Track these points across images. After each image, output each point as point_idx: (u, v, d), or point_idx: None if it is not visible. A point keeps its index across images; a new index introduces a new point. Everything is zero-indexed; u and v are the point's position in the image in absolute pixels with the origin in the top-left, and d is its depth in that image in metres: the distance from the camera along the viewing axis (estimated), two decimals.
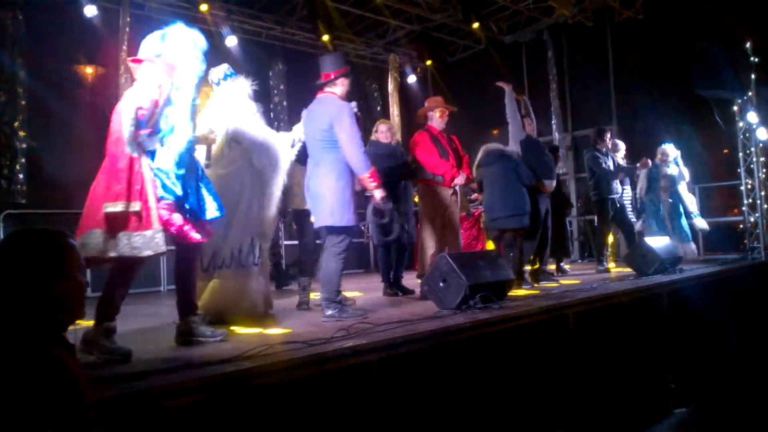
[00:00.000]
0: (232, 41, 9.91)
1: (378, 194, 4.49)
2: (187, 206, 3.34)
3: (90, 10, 8.39)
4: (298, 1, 10.54)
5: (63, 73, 8.37)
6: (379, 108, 13.24)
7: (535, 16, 11.58)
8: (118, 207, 3.08)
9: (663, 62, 9.89)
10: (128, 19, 8.43)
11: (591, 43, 11.23)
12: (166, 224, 3.23)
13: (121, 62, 8.31)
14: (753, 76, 8.80)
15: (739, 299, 7.15)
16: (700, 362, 6.24)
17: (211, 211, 3.47)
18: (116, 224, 3.10)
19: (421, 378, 3.51)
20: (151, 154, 3.27)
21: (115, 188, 3.12)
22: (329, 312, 4.37)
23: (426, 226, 5.85)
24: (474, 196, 8.17)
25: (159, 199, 3.21)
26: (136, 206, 3.11)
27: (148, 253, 3.13)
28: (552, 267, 7.57)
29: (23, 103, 7.81)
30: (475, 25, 10.75)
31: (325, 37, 10.58)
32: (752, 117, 8.73)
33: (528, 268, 6.85)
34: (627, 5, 10.16)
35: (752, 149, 8.91)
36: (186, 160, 3.35)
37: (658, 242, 6.80)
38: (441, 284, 4.59)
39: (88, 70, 8.89)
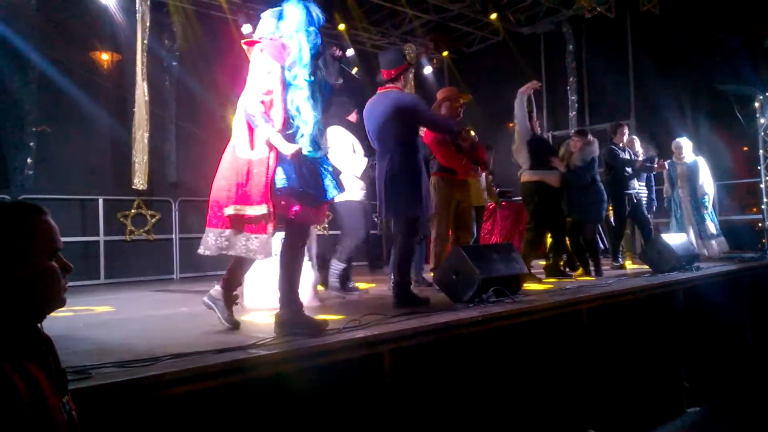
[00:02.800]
0: (247, 29, 9.88)
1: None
2: (311, 191, 3.27)
3: None
4: None
5: (78, 59, 8.37)
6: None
7: (555, 7, 11.42)
8: (242, 210, 3.19)
9: (683, 56, 9.73)
10: (148, 4, 8.40)
11: (611, 36, 11.07)
12: (285, 209, 3.21)
13: (139, 49, 8.31)
14: None
15: (757, 299, 7.05)
16: (715, 362, 6.16)
17: (331, 190, 3.39)
18: (236, 225, 3.22)
19: (432, 370, 3.48)
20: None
21: (237, 190, 3.21)
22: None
23: (439, 219, 5.80)
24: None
25: (281, 190, 3.19)
26: (256, 209, 3.17)
27: (260, 257, 3.24)
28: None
29: (33, 87, 7.79)
30: (493, 16, 10.66)
31: (342, 26, 10.52)
32: None
33: (542, 263, 6.81)
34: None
35: None
36: (318, 143, 3.33)
37: (674, 239, 6.72)
38: (454, 277, 4.55)
39: (104, 56, 8.90)
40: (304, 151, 3.23)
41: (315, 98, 3.37)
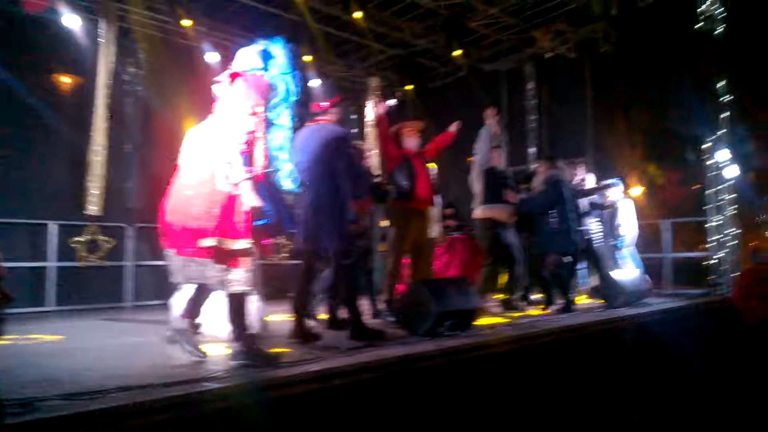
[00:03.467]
0: (213, 58, 9.91)
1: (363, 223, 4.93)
2: (283, 227, 3.36)
3: (70, 20, 8.33)
4: (282, 21, 10.55)
5: (37, 82, 8.26)
6: (356, 130, 13.28)
7: (517, 46, 11.75)
8: (223, 243, 3.18)
9: (640, 97, 10.09)
10: (112, 30, 8.37)
11: (570, 76, 11.39)
12: (257, 243, 3.24)
13: (102, 73, 8.25)
14: (725, 114, 9.01)
15: (704, 334, 7.24)
16: (664, 395, 6.28)
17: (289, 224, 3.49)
18: (216, 256, 3.20)
19: (388, 403, 3.49)
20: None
21: (218, 221, 3.19)
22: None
23: (395, 249, 5.80)
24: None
25: (260, 225, 3.25)
26: (240, 243, 3.18)
27: (240, 288, 3.23)
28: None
29: None
30: (457, 52, 10.87)
31: (307, 58, 10.61)
32: (723, 155, 8.92)
33: (498, 297, 6.89)
34: (606, 40, 10.34)
35: (721, 186, 9.09)
36: (296, 179, 3.39)
37: (625, 275, 6.89)
38: (411, 309, 4.59)
39: (65, 80, 8.80)
40: (288, 187, 3.31)
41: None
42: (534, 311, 6.68)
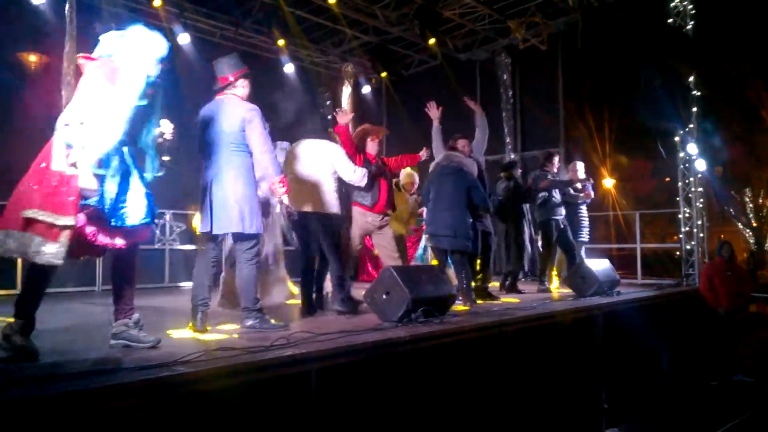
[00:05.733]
0: (184, 39, 9.74)
1: (286, 199, 4.49)
2: (105, 211, 3.22)
3: None
4: (255, 3, 10.43)
5: (4, 61, 8.04)
6: (330, 117, 13.22)
7: (491, 36, 11.78)
8: (39, 215, 3.05)
9: (610, 91, 10.21)
10: (74, 9, 8.16)
11: (543, 68, 11.48)
12: (80, 231, 3.14)
13: (66, 53, 8.04)
14: (694, 109, 9.17)
15: (672, 324, 7.38)
16: (633, 383, 6.40)
17: (133, 218, 3.32)
18: (34, 229, 3.06)
19: (360, 389, 3.48)
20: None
21: (43, 197, 3.09)
22: (249, 322, 4.19)
23: (349, 244, 5.77)
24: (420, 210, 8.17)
25: (80, 207, 3.13)
26: (62, 220, 3.06)
27: (55, 261, 3.08)
28: (496, 284, 7.66)
29: None
30: (431, 41, 10.86)
31: (281, 42, 10.51)
32: (692, 148, 9.08)
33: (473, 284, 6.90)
34: (573, 33, 10.40)
35: (691, 179, 9.25)
36: (107, 163, 3.25)
37: (597, 265, 6.96)
38: (384, 296, 4.58)
39: (32, 58, 8.57)
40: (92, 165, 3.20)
41: (142, 122, 3.44)
42: (512, 299, 6.72)
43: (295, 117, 6.86)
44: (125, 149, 3.36)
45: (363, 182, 5.36)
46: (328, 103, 13.34)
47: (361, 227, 5.77)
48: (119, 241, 3.34)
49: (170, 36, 9.50)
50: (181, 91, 7.35)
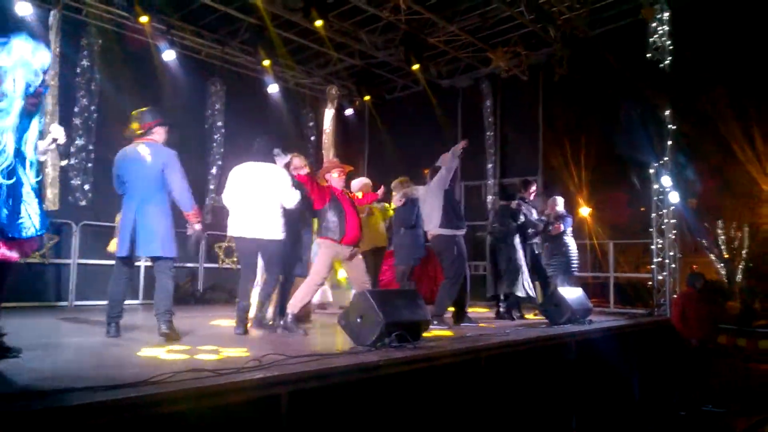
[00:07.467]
0: (170, 55, 9.77)
1: (198, 227, 5.16)
2: (3, 224, 3.22)
3: (22, 8, 8.11)
4: (242, 24, 10.51)
5: None
6: (313, 137, 13.29)
7: (474, 64, 11.98)
8: None
9: (589, 122, 10.40)
10: (59, 20, 8.18)
11: (524, 97, 11.69)
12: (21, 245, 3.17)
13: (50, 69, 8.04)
14: (669, 142, 9.37)
15: (643, 353, 7.47)
16: (603, 411, 6.45)
17: (29, 229, 3.34)
18: None
19: (331, 413, 3.49)
20: None
21: None
22: (165, 328, 4.79)
23: (315, 276, 5.78)
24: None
25: None
26: None
27: None
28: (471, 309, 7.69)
29: None
30: (415, 66, 10.99)
31: (266, 62, 10.57)
32: (666, 181, 9.26)
33: (450, 309, 6.94)
34: (559, 64, 10.62)
35: (665, 211, 9.43)
36: (2, 174, 3.27)
37: (570, 293, 7.04)
38: (358, 320, 4.59)
39: None
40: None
41: (21, 130, 3.44)
42: (482, 325, 6.76)
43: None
44: (14, 160, 3.37)
45: (294, 206, 5.62)
46: (311, 124, 13.41)
47: (331, 256, 5.80)
48: (14, 254, 3.34)
49: (156, 52, 9.56)
50: (165, 107, 7.41)
